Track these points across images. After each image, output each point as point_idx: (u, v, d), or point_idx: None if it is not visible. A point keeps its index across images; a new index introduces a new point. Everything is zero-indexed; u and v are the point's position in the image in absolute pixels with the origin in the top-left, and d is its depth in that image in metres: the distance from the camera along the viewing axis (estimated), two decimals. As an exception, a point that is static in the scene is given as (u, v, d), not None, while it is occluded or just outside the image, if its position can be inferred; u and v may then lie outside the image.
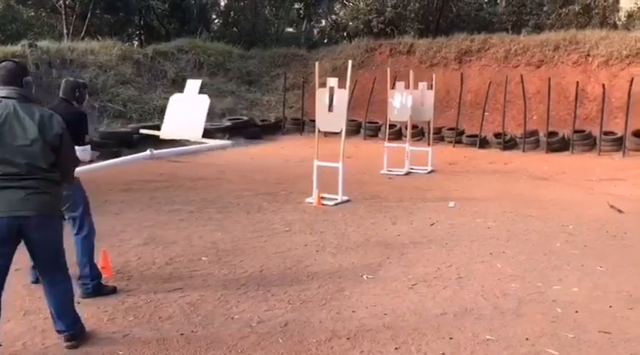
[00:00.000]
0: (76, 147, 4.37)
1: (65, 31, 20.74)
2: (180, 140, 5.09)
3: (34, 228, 3.25)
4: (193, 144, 5.14)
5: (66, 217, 4.44)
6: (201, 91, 5.22)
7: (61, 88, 4.49)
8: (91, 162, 4.73)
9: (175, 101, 5.16)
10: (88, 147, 4.45)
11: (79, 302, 4.22)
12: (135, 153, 11.94)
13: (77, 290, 4.37)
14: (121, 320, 3.97)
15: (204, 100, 5.06)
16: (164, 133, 5.11)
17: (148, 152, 4.55)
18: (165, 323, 3.95)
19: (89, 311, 4.09)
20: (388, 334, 3.82)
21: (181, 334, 3.78)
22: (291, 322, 3.98)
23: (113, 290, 4.47)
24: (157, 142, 6.39)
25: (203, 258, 5.41)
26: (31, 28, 23.40)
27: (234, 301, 4.35)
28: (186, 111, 5.00)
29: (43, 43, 16.36)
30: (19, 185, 3.20)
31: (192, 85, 5.19)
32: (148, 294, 4.46)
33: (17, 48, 15.35)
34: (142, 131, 5.67)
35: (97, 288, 4.38)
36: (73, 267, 4.73)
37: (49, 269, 3.44)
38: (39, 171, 3.26)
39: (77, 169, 4.21)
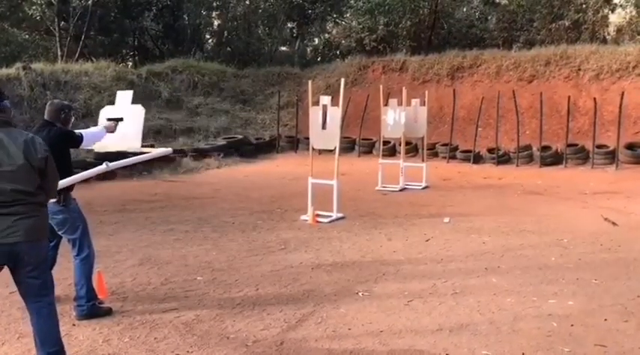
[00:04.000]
0: (91, 132, 4.72)
1: (59, 53, 20.85)
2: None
3: (23, 254, 3.19)
4: (133, 155, 5.12)
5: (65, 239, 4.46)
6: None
7: (46, 111, 4.45)
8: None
9: (106, 113, 5.15)
10: (98, 127, 4.78)
11: (74, 324, 4.22)
12: (128, 173, 12.06)
13: (72, 313, 4.37)
14: (116, 342, 3.95)
15: (139, 110, 5.09)
16: (97, 146, 5.10)
17: (104, 165, 4.61)
18: (161, 343, 3.93)
19: (84, 332, 4.07)
20: (384, 351, 3.81)
21: (177, 354, 3.76)
22: (287, 341, 3.97)
23: (108, 312, 4.45)
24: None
25: (198, 278, 5.40)
26: (25, 50, 23.57)
27: (230, 321, 4.34)
28: (120, 123, 4.99)
29: (38, 66, 16.43)
30: (6, 212, 3.13)
31: (123, 95, 5.22)
32: (144, 315, 4.44)
33: (12, 70, 15.42)
34: None
35: (92, 310, 4.35)
36: (70, 288, 4.73)
37: (35, 295, 3.33)
38: (25, 196, 3.20)
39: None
